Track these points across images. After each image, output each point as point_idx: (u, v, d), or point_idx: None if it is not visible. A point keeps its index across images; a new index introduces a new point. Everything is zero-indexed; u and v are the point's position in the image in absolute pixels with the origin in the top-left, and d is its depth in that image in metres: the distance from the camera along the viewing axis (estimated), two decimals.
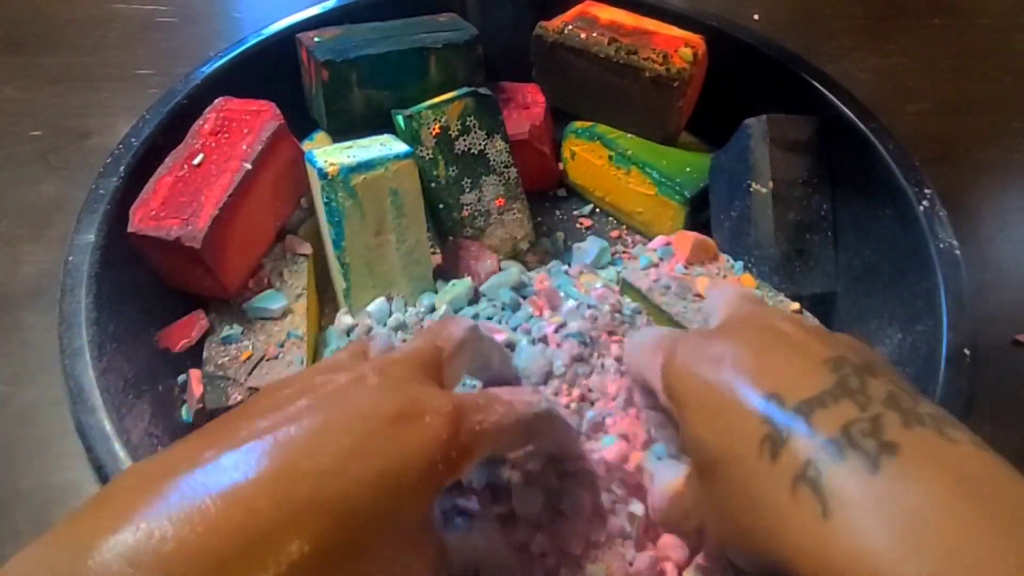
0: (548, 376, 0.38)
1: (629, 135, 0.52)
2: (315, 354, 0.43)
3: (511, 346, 0.40)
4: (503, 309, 0.43)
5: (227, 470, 0.21)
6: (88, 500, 0.21)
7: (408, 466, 0.24)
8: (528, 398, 0.30)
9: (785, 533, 0.22)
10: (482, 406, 0.27)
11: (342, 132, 0.49)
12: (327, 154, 0.43)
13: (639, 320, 0.42)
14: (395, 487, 0.23)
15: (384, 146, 0.44)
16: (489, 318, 0.43)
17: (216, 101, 0.46)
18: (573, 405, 0.37)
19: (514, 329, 0.42)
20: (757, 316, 0.30)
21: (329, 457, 0.22)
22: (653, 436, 0.35)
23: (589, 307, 0.42)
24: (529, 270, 0.48)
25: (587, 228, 0.53)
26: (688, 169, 0.50)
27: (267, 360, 0.40)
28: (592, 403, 0.37)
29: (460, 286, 0.44)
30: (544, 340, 0.40)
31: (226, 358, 0.40)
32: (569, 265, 0.49)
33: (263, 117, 0.44)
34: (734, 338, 0.28)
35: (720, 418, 0.25)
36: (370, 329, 0.43)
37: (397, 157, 0.43)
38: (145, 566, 0.19)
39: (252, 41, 0.51)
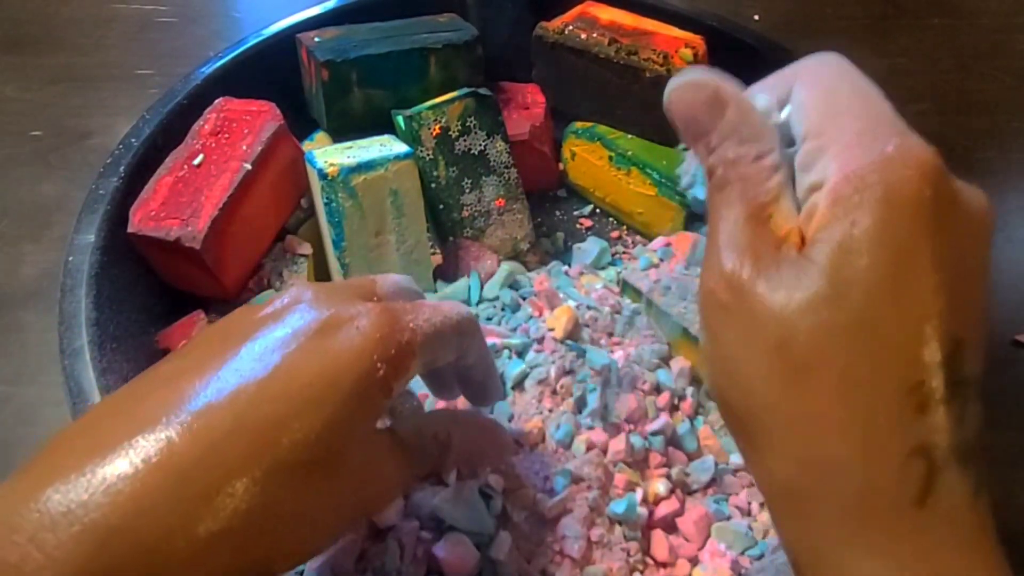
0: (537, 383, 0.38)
1: (629, 135, 0.52)
2: None
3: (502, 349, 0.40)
4: (503, 309, 0.44)
5: (157, 416, 0.21)
6: (44, 443, 0.22)
7: (343, 370, 0.23)
8: (452, 304, 0.29)
9: (861, 482, 0.19)
10: (411, 307, 0.26)
11: (342, 132, 0.49)
12: (327, 154, 0.43)
13: (639, 321, 0.43)
14: (335, 394, 0.23)
15: (384, 146, 0.44)
16: (489, 318, 0.43)
17: (216, 101, 0.46)
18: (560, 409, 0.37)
19: (513, 330, 0.42)
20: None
21: (251, 382, 0.22)
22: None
23: (588, 307, 0.42)
24: (529, 270, 0.48)
25: (587, 228, 0.53)
26: None
27: None
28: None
29: (461, 284, 0.45)
30: (540, 341, 0.40)
31: None
32: (569, 265, 0.49)
33: (263, 117, 0.44)
34: (965, 230, 0.21)
35: (899, 298, 0.19)
36: None
37: (397, 157, 0.43)
38: (96, 506, 0.19)
39: (252, 41, 0.51)
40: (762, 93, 0.24)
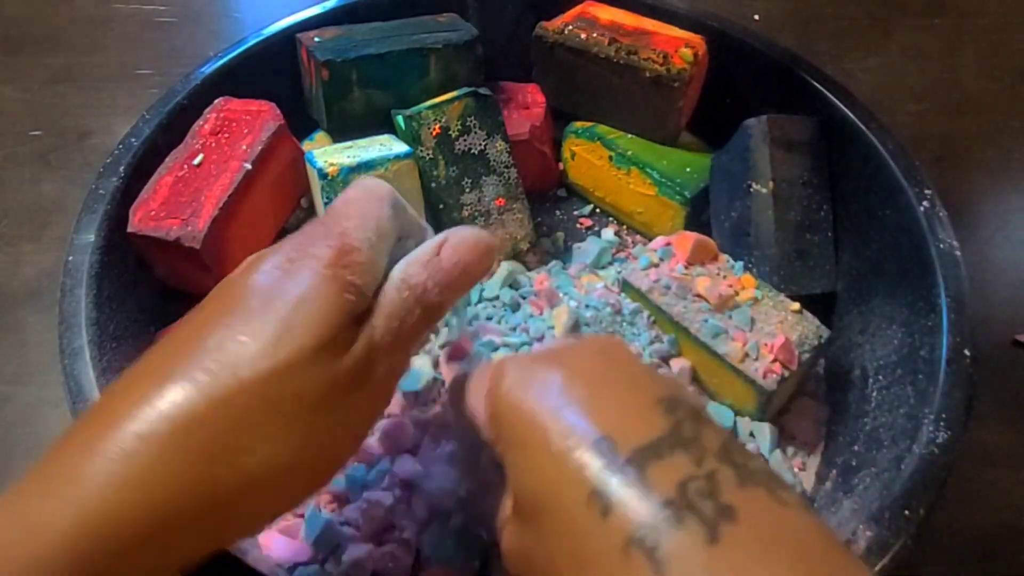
0: None
1: (629, 135, 0.52)
2: None
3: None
4: (503, 309, 0.44)
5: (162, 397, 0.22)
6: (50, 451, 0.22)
7: (308, 295, 0.24)
8: (373, 183, 0.29)
9: None
10: (351, 215, 0.27)
11: (342, 132, 0.49)
12: (327, 154, 0.43)
13: (639, 320, 0.43)
14: (306, 319, 0.23)
15: (384, 146, 0.44)
16: (489, 318, 0.43)
17: (216, 101, 0.46)
18: None
19: (513, 329, 0.42)
20: (590, 337, 0.27)
21: (257, 342, 0.23)
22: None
23: (588, 307, 0.42)
24: (529, 270, 0.48)
25: (587, 228, 0.53)
26: (688, 169, 0.50)
27: None
28: None
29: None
30: (540, 340, 0.40)
31: None
32: (569, 265, 0.49)
33: (263, 117, 0.44)
34: (565, 361, 0.24)
35: (546, 459, 0.22)
36: None
37: (397, 157, 0.43)
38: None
39: (252, 41, 0.51)
40: None
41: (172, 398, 0.21)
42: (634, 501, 0.20)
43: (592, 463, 0.21)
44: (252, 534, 0.29)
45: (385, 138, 0.45)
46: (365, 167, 0.42)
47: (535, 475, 0.22)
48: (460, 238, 0.28)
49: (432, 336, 0.42)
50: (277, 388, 0.22)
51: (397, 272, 0.27)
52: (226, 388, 0.22)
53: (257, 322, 0.23)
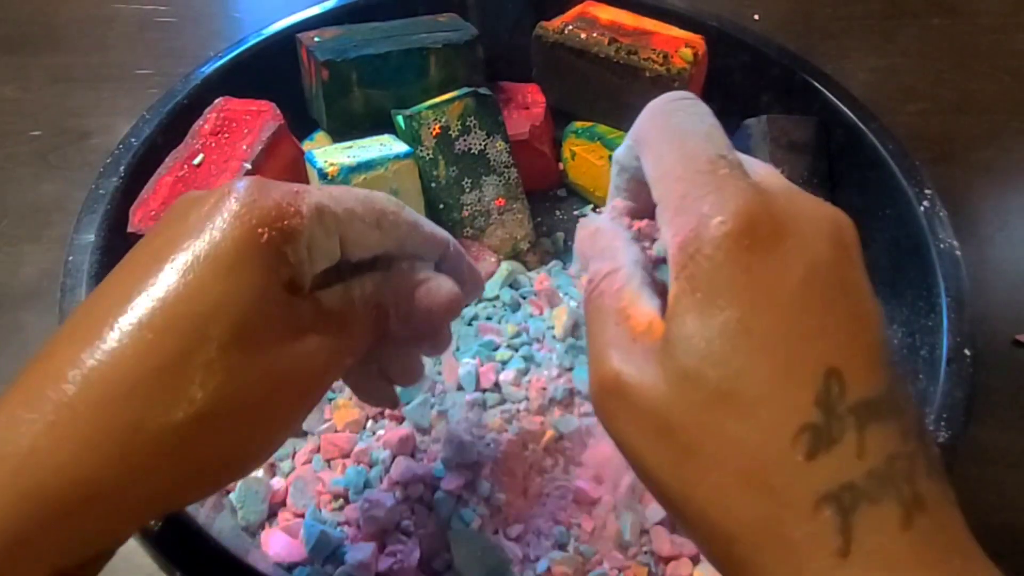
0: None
1: None
2: None
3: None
4: (503, 309, 0.44)
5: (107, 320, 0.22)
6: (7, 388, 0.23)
7: (224, 238, 0.23)
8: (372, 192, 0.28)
9: (778, 544, 0.18)
10: (309, 186, 0.26)
11: (342, 132, 0.49)
12: (327, 154, 0.43)
13: None
14: (220, 265, 0.23)
15: (384, 146, 0.44)
16: (489, 318, 0.43)
17: (216, 101, 0.46)
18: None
19: (516, 329, 0.42)
20: (816, 209, 0.23)
21: (172, 275, 0.22)
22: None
23: None
24: (529, 270, 0.48)
25: None
26: None
27: None
28: None
29: None
30: (540, 341, 0.40)
31: None
32: (569, 265, 0.49)
33: (263, 117, 0.44)
34: (802, 248, 0.20)
35: (756, 350, 0.19)
36: None
37: (397, 157, 0.43)
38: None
39: (252, 41, 0.51)
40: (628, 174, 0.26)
41: (94, 356, 0.22)
42: (845, 458, 0.18)
43: (816, 393, 0.19)
44: (218, 486, 0.27)
45: (385, 138, 0.45)
46: (365, 167, 0.42)
47: (735, 356, 0.19)
48: (437, 289, 0.28)
49: None
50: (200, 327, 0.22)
51: (368, 287, 0.27)
52: (144, 341, 0.22)
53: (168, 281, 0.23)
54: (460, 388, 0.39)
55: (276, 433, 0.25)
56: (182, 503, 0.24)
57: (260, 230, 0.23)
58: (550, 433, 0.37)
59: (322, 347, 0.25)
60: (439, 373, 0.40)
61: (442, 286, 0.28)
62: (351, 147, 0.44)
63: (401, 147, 0.44)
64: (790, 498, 0.18)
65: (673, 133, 0.23)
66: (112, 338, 0.21)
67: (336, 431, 0.39)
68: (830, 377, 0.19)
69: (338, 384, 0.41)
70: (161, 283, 0.22)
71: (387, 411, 0.39)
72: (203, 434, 0.22)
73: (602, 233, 0.25)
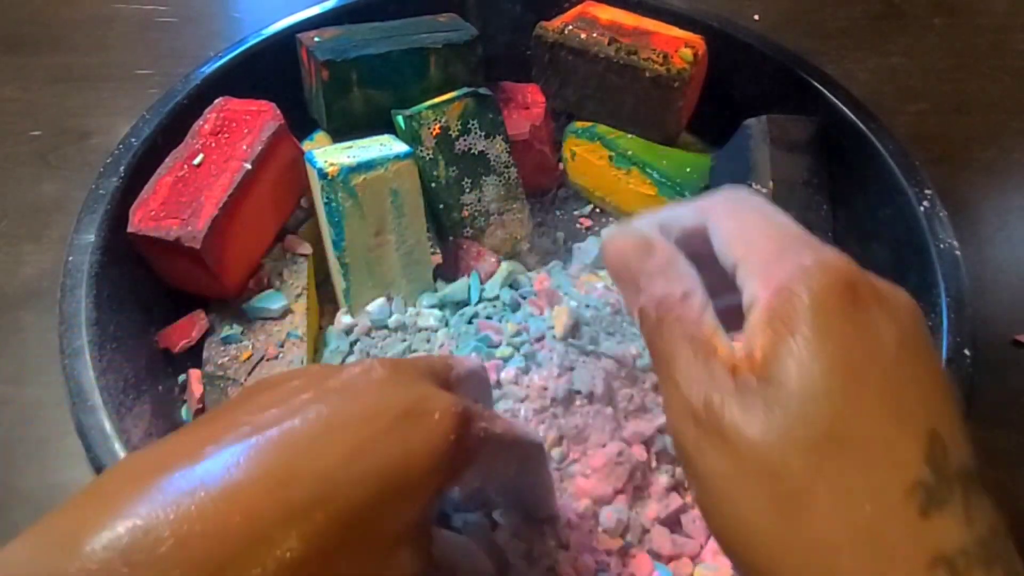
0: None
1: (629, 135, 0.52)
2: (315, 354, 0.43)
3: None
4: (503, 309, 0.44)
5: (227, 467, 0.20)
6: (78, 492, 0.21)
7: (413, 465, 0.23)
8: (525, 426, 0.29)
9: None
10: (488, 415, 0.26)
11: (342, 132, 0.49)
12: (327, 154, 0.43)
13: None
14: (398, 487, 0.22)
15: (384, 146, 0.44)
16: (488, 318, 0.43)
17: (216, 101, 0.46)
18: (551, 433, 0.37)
19: (516, 328, 0.42)
20: (885, 289, 0.22)
21: (332, 456, 0.22)
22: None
23: (588, 307, 0.42)
24: (529, 270, 0.48)
25: (587, 228, 0.53)
26: (688, 169, 0.50)
27: (267, 360, 0.40)
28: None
29: (461, 284, 0.45)
30: (540, 340, 0.40)
31: (226, 358, 0.40)
32: (569, 265, 0.49)
33: (263, 117, 0.44)
34: (893, 314, 0.21)
35: (869, 399, 0.19)
36: (369, 330, 0.43)
37: (397, 157, 0.43)
38: (140, 564, 0.18)
39: (252, 41, 0.51)
40: (679, 223, 0.26)
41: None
42: (956, 522, 0.18)
43: (924, 453, 0.19)
44: None
45: (385, 138, 0.45)
46: (365, 167, 0.42)
47: (854, 406, 0.19)
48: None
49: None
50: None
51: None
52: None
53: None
54: None
55: None
56: None
57: (446, 468, 0.23)
58: (551, 435, 0.37)
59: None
60: None
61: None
62: (351, 147, 0.44)
63: (401, 147, 0.44)
64: (903, 554, 0.18)
65: (759, 210, 0.24)
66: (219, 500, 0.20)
67: None
68: (934, 439, 0.19)
69: None
70: (336, 470, 0.21)
71: None
72: None
73: (661, 251, 0.24)
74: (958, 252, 0.39)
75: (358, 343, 0.42)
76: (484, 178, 0.47)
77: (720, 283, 0.24)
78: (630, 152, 0.50)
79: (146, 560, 0.18)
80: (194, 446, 0.21)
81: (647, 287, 0.24)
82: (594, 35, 0.50)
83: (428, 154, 0.45)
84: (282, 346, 0.41)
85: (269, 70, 0.50)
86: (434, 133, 0.45)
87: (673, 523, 0.36)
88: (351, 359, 0.41)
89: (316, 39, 0.48)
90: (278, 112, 0.45)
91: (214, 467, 0.21)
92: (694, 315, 0.22)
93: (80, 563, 0.18)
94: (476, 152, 0.46)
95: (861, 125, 0.46)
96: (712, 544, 0.36)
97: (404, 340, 0.42)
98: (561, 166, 0.55)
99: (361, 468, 0.22)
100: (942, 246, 0.40)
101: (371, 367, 0.25)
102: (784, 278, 0.21)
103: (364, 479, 0.22)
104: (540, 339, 0.40)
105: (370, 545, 0.22)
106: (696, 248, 0.25)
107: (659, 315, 0.23)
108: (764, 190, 0.45)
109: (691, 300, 0.23)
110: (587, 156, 0.53)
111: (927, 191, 0.42)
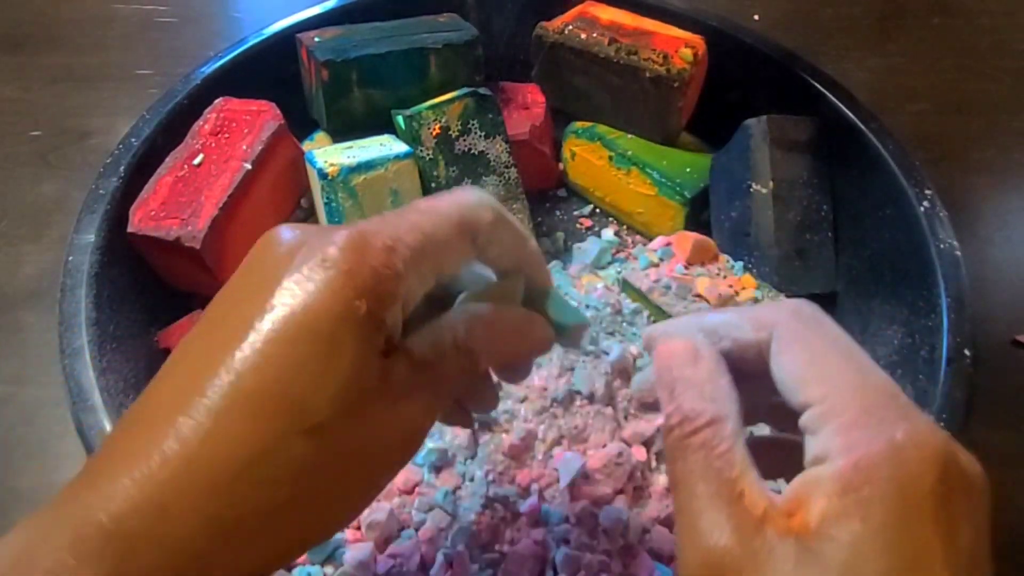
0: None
1: (629, 135, 0.52)
2: None
3: None
4: None
5: (208, 410, 0.21)
6: (88, 461, 0.22)
7: (318, 319, 0.21)
8: (462, 195, 0.25)
9: None
10: (390, 220, 0.23)
11: (342, 132, 0.49)
12: (327, 154, 0.43)
13: (639, 320, 0.43)
14: (316, 347, 0.21)
15: (384, 146, 0.44)
16: None
17: (216, 101, 0.46)
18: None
19: None
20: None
21: (271, 353, 0.21)
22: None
23: (588, 307, 0.42)
24: None
25: (587, 228, 0.53)
26: (688, 169, 0.50)
27: None
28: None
29: None
30: None
31: None
32: (569, 265, 0.49)
33: (263, 117, 0.44)
34: (977, 506, 0.20)
35: None
36: None
37: (397, 157, 0.43)
38: (164, 494, 0.19)
39: (252, 41, 0.51)
40: (734, 334, 0.24)
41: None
42: None
43: None
44: (306, 549, 0.25)
45: (385, 138, 0.45)
46: (365, 167, 0.42)
47: None
48: (531, 332, 0.27)
49: None
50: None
51: (460, 331, 0.24)
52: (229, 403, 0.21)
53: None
54: None
55: (373, 493, 0.24)
56: (273, 570, 0.22)
57: (358, 303, 0.21)
58: (551, 435, 0.37)
59: (418, 409, 0.23)
60: None
61: (535, 327, 0.27)
62: (351, 147, 0.44)
63: (401, 147, 0.44)
64: None
65: (834, 341, 0.22)
66: (201, 424, 0.20)
67: None
68: None
69: None
70: (252, 359, 0.21)
71: None
72: (298, 513, 0.21)
73: (704, 363, 0.23)
74: (958, 252, 0.39)
75: None
76: (484, 178, 0.47)
77: (763, 400, 0.23)
78: (630, 152, 0.50)
79: (170, 490, 0.19)
80: (171, 407, 0.21)
81: (680, 397, 0.22)
82: (594, 35, 0.50)
83: (428, 154, 0.45)
84: None
85: (269, 70, 0.50)
86: (434, 133, 0.45)
87: (673, 523, 0.36)
88: None
89: (316, 39, 0.48)
90: (278, 112, 0.45)
91: (200, 411, 0.21)
92: (722, 447, 0.21)
93: (110, 503, 0.19)
94: (476, 152, 0.46)
95: (861, 125, 0.46)
96: None
97: None
98: (561, 166, 0.55)
99: (268, 352, 0.21)
100: (942, 246, 0.40)
101: (264, 239, 0.24)
102: (871, 452, 0.19)
103: (273, 361, 0.21)
104: None
105: (338, 414, 0.21)
106: (746, 361, 0.23)
107: (683, 433, 0.22)
108: (764, 190, 0.45)
109: (721, 427, 0.21)
110: (587, 156, 0.53)
111: (927, 191, 0.42)
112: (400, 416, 0.23)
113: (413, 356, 0.23)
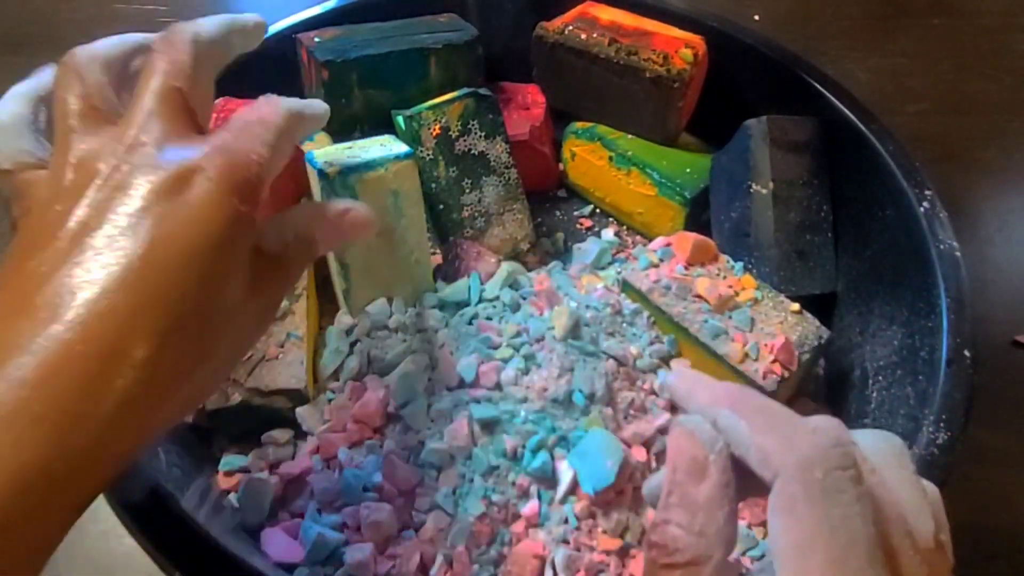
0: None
1: (629, 136, 0.52)
2: (315, 354, 0.43)
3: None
4: (503, 309, 0.44)
5: (58, 307, 0.22)
6: None
7: (210, 228, 0.24)
8: (267, 105, 0.29)
9: None
10: (245, 132, 0.27)
11: (342, 132, 0.49)
12: (327, 154, 0.43)
13: (639, 320, 0.43)
14: (207, 249, 0.24)
15: (384, 147, 0.44)
16: (488, 318, 0.43)
17: (216, 101, 0.46)
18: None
19: (516, 329, 0.42)
20: None
21: (132, 260, 0.23)
22: None
23: (588, 307, 0.42)
24: (529, 270, 0.48)
25: (587, 228, 0.53)
26: (688, 170, 0.50)
27: (267, 360, 0.40)
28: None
29: (461, 284, 0.45)
30: (540, 340, 0.40)
31: None
32: (569, 265, 0.49)
33: None
34: None
35: None
36: (370, 330, 0.43)
37: (397, 158, 0.43)
38: (6, 412, 0.20)
39: None
40: (746, 454, 0.22)
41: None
42: None
43: None
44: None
45: (385, 138, 0.45)
46: (365, 167, 0.42)
47: None
48: (358, 218, 0.31)
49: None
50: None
51: (300, 225, 0.30)
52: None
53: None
54: (460, 385, 0.39)
55: (231, 366, 0.32)
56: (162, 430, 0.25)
57: (242, 208, 0.25)
58: (551, 436, 0.37)
59: (274, 293, 0.28)
60: (434, 370, 0.40)
61: (361, 213, 0.31)
62: (351, 147, 0.44)
63: (401, 147, 0.44)
64: None
65: (832, 525, 0.20)
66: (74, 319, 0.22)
67: (334, 432, 0.39)
68: None
69: (336, 384, 0.41)
70: (144, 264, 0.23)
71: (386, 413, 0.39)
72: (163, 403, 0.23)
73: (709, 483, 0.22)
74: (958, 252, 0.39)
75: (358, 344, 0.42)
76: (484, 179, 0.47)
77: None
78: (630, 152, 0.50)
79: (13, 409, 0.21)
80: (25, 298, 0.22)
81: (671, 512, 0.22)
82: (594, 35, 0.50)
83: (428, 154, 0.45)
84: (282, 346, 0.41)
85: (269, 70, 0.50)
86: (434, 133, 0.45)
87: None
88: (351, 360, 0.41)
89: (316, 39, 0.48)
90: None
91: (40, 317, 0.22)
92: None
93: None
94: (476, 152, 0.46)
95: (861, 125, 0.46)
96: None
97: (404, 340, 0.42)
98: (561, 166, 0.55)
99: (163, 255, 0.23)
100: (942, 246, 0.40)
101: (116, 169, 0.25)
102: None
103: (167, 267, 0.23)
104: (540, 340, 0.40)
105: (207, 309, 0.24)
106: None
107: (661, 563, 0.21)
108: (764, 190, 0.45)
109: (700, 571, 0.21)
110: (587, 156, 0.53)
111: (927, 191, 0.42)
112: (259, 306, 0.27)
113: (262, 249, 0.27)
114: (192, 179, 0.24)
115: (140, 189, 0.24)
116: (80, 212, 0.24)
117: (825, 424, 0.21)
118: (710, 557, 0.21)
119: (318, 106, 0.32)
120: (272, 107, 0.29)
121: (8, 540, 0.20)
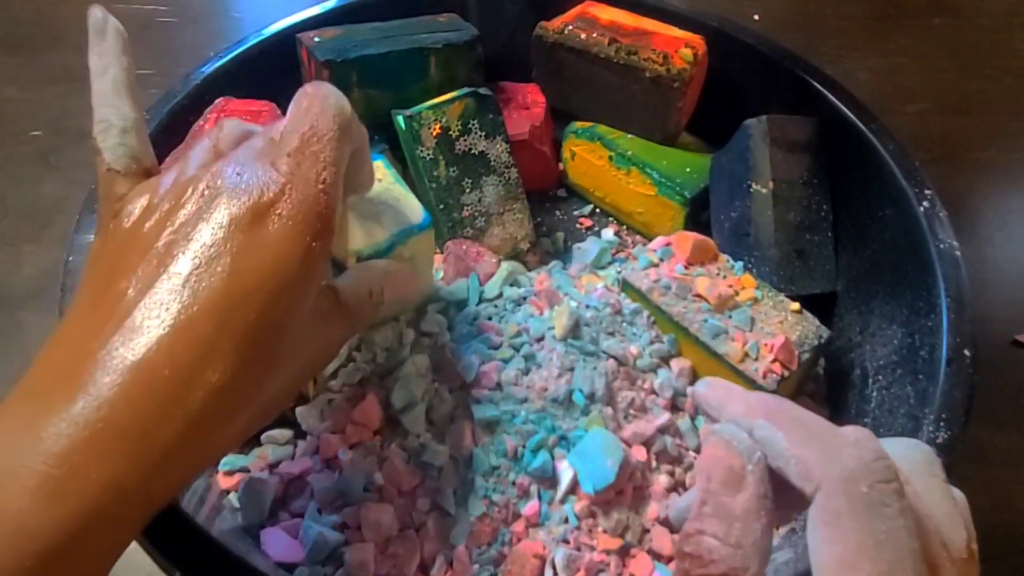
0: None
1: (629, 135, 0.52)
2: None
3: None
4: (503, 309, 0.44)
5: (140, 330, 0.23)
6: (11, 395, 0.24)
7: (287, 262, 0.25)
8: (323, 115, 0.29)
9: None
10: (311, 161, 0.27)
11: None
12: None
13: (639, 320, 0.43)
14: (285, 285, 0.25)
15: (397, 211, 0.38)
16: (489, 318, 0.43)
17: (216, 101, 0.46)
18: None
19: (517, 329, 0.42)
20: None
21: (216, 290, 0.24)
22: None
23: (588, 307, 0.42)
24: (529, 270, 0.48)
25: (587, 228, 0.53)
26: (688, 169, 0.50)
27: None
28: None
29: (461, 284, 0.44)
30: (540, 340, 0.40)
31: None
32: (569, 265, 0.49)
33: (263, 117, 0.44)
34: None
35: None
36: (369, 332, 0.43)
37: (411, 233, 0.37)
38: (93, 429, 0.22)
39: (252, 41, 0.51)
40: (783, 464, 0.22)
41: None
42: None
43: None
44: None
45: (398, 193, 0.39)
46: (387, 252, 0.37)
47: None
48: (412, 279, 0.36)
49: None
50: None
51: (375, 279, 0.32)
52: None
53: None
54: (461, 385, 0.39)
55: (289, 398, 0.31)
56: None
57: (314, 245, 0.26)
58: (552, 436, 0.37)
59: (338, 335, 0.30)
60: (435, 371, 0.40)
61: (414, 278, 0.35)
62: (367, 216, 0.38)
63: (417, 213, 0.38)
64: None
65: (878, 539, 0.19)
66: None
67: (332, 432, 0.39)
68: None
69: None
70: (226, 301, 0.24)
71: (385, 416, 0.39)
72: (224, 428, 0.25)
73: (747, 494, 0.21)
74: (958, 252, 0.39)
75: (358, 345, 0.42)
76: (484, 178, 0.47)
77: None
78: (630, 152, 0.50)
79: (101, 427, 0.22)
80: (94, 338, 0.24)
81: (706, 522, 0.21)
82: (594, 35, 0.50)
83: (428, 154, 0.45)
84: None
85: (269, 70, 0.50)
86: (434, 133, 0.45)
87: (673, 523, 0.36)
88: (351, 362, 0.41)
89: (316, 39, 0.48)
90: (278, 112, 0.45)
91: (129, 338, 0.23)
92: None
93: (44, 449, 0.21)
94: (476, 152, 0.46)
95: (861, 125, 0.46)
96: None
97: (404, 342, 0.42)
98: (561, 166, 0.55)
99: (242, 288, 0.24)
100: (942, 246, 0.40)
101: (202, 193, 0.26)
102: None
103: (248, 296, 0.24)
104: (540, 339, 0.40)
105: (276, 340, 0.25)
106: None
107: (694, 569, 0.21)
108: (764, 190, 0.45)
109: None
110: (587, 156, 0.53)
111: (927, 191, 0.42)
112: (322, 338, 0.29)
113: (339, 295, 0.29)
114: (267, 217, 0.25)
115: (222, 217, 0.25)
116: (167, 235, 0.25)
117: (864, 436, 0.21)
118: (747, 569, 0.20)
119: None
120: (324, 116, 0.29)
121: (79, 553, 0.21)
